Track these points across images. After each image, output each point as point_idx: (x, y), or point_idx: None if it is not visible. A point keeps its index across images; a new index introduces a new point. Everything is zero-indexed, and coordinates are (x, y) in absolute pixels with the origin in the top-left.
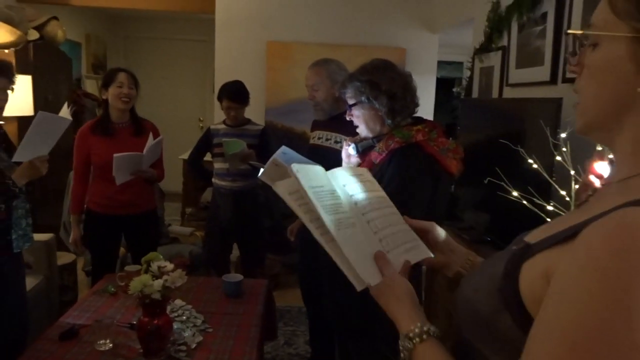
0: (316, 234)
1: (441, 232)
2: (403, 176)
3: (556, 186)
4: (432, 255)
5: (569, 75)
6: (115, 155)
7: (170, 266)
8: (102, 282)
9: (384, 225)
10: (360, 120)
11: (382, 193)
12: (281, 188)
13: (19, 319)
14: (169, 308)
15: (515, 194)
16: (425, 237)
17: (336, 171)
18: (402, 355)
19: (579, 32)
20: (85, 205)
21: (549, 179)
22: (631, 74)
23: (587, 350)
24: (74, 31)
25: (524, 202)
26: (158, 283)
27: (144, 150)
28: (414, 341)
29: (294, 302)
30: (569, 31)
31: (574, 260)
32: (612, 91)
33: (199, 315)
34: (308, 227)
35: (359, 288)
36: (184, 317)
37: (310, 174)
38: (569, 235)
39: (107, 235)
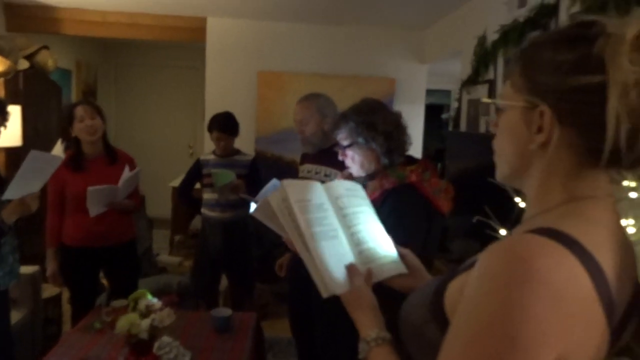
0: (296, 244)
1: (413, 260)
2: (398, 216)
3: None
4: (406, 272)
5: None
6: (89, 188)
7: (158, 304)
8: (88, 318)
9: (367, 239)
10: (355, 161)
11: (371, 209)
12: (273, 201)
13: (4, 357)
14: (156, 345)
15: (502, 232)
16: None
17: (332, 184)
18: (359, 356)
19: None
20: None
21: None
22: (525, 135)
23: (476, 345)
24: (64, 58)
25: None
26: (145, 323)
27: (120, 183)
28: (370, 345)
29: (283, 333)
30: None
31: (474, 274)
32: (514, 148)
33: (187, 352)
34: (291, 237)
35: (324, 295)
36: (172, 355)
37: (299, 188)
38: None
39: (84, 270)
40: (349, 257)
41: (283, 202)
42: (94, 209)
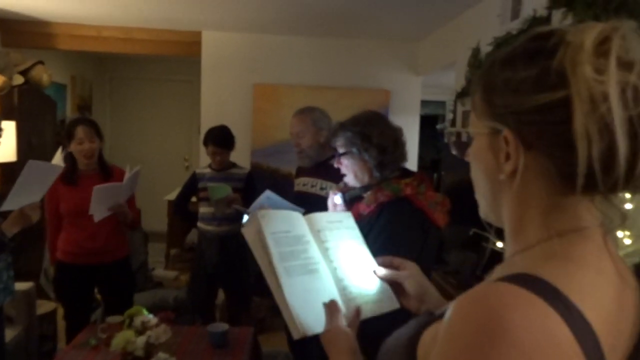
0: (268, 279)
1: (411, 288)
2: (393, 230)
3: None
4: (398, 307)
5: None
6: (95, 187)
7: (154, 320)
8: (83, 334)
9: (352, 273)
10: (349, 169)
11: (360, 240)
12: (247, 233)
13: None
14: None
15: (499, 244)
16: (397, 287)
17: (314, 216)
18: None
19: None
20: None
21: None
22: (493, 163)
23: None
24: (59, 73)
25: None
26: (141, 340)
27: (124, 181)
28: None
29: (280, 347)
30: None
31: (443, 327)
32: (486, 180)
33: None
34: (264, 272)
35: (295, 337)
36: None
37: (276, 219)
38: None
39: (79, 286)
40: (331, 292)
41: (257, 234)
42: (98, 211)
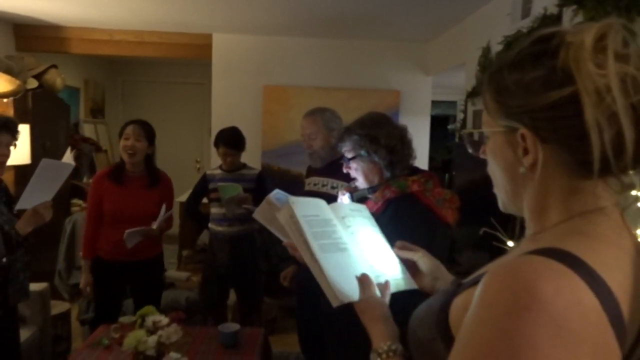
0: (305, 255)
1: (424, 266)
2: (398, 225)
3: None
4: (416, 287)
5: None
6: (126, 231)
7: (165, 320)
8: (97, 334)
9: (375, 255)
10: (359, 172)
11: (376, 229)
12: (281, 218)
13: None
14: None
15: (510, 243)
16: (412, 267)
17: (337, 205)
18: None
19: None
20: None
21: None
22: (512, 158)
23: None
24: (72, 77)
25: None
26: (152, 339)
27: (155, 225)
28: (382, 356)
29: (292, 348)
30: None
31: (476, 296)
32: (505, 174)
33: None
34: (300, 251)
35: (334, 304)
36: None
37: (306, 205)
38: (482, 274)
39: (112, 283)
40: (360, 269)
41: (290, 218)
42: (131, 243)
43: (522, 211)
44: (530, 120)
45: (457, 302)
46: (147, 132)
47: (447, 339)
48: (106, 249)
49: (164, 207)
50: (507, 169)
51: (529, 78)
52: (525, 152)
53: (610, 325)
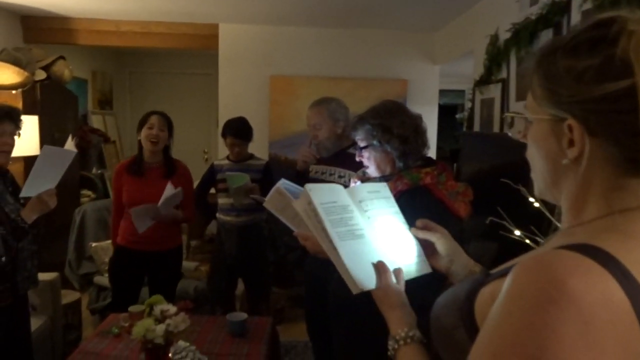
0: (323, 243)
1: (442, 247)
2: (408, 220)
3: (557, 224)
4: (430, 271)
5: None
6: (132, 209)
7: (173, 309)
8: (107, 323)
9: (391, 239)
10: (371, 162)
11: (395, 209)
12: (298, 206)
13: None
14: (172, 349)
15: (517, 232)
16: (428, 250)
17: (355, 188)
18: (388, 353)
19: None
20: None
21: (550, 217)
22: (557, 149)
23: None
24: (80, 68)
25: (527, 240)
26: (160, 328)
27: (159, 202)
28: (399, 343)
29: (300, 337)
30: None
31: (505, 288)
32: (547, 163)
33: (203, 357)
34: (318, 239)
35: (354, 292)
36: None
37: (322, 191)
38: (511, 267)
39: (131, 271)
40: (376, 256)
41: (308, 205)
42: (141, 226)
43: (558, 201)
44: (580, 111)
45: (484, 292)
46: (169, 123)
47: (471, 328)
48: (126, 238)
49: (168, 184)
50: (549, 158)
51: (583, 66)
52: (571, 143)
53: (639, 325)
